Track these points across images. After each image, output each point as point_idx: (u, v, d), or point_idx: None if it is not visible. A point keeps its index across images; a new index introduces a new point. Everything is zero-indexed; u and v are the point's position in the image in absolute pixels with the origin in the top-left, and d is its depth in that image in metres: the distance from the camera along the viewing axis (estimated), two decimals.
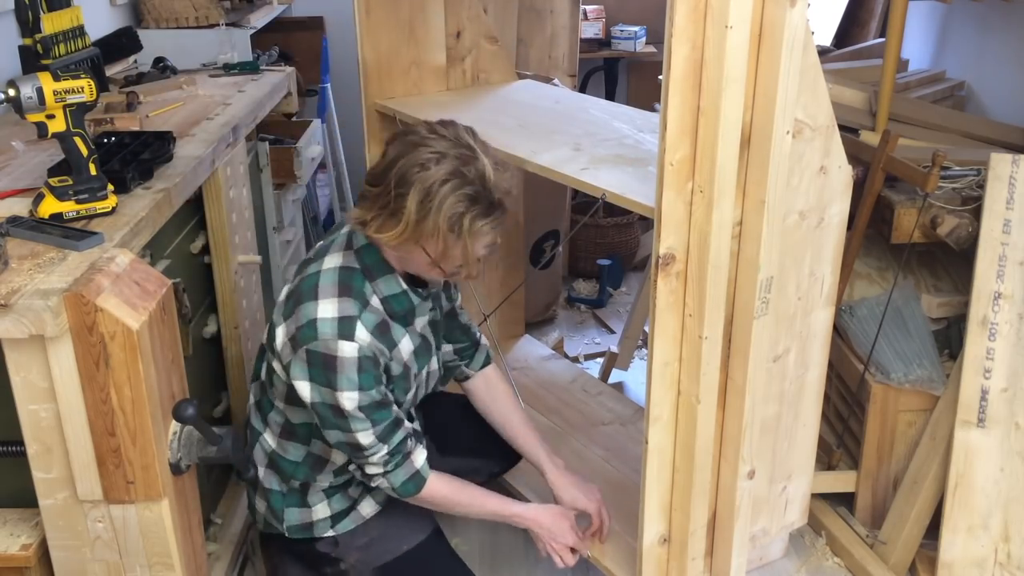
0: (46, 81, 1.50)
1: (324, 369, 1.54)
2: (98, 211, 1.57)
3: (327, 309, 1.55)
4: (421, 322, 1.71)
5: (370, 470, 1.66)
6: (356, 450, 1.63)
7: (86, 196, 1.56)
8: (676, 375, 1.75)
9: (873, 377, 2.15)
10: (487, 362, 1.94)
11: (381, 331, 1.60)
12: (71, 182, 1.56)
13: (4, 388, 1.39)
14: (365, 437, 1.60)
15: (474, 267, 1.57)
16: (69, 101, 1.53)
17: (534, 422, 2.05)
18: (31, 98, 1.50)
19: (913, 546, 2.13)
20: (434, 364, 1.79)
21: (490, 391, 1.95)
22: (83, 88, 1.53)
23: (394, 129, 2.40)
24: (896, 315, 2.19)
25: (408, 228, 1.50)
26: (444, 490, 1.73)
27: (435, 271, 1.58)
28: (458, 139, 1.53)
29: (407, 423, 1.69)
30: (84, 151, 1.57)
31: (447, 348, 1.91)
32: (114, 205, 1.59)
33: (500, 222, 1.54)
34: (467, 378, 1.96)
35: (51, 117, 1.53)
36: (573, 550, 1.84)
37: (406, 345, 1.67)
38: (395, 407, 1.65)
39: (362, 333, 1.55)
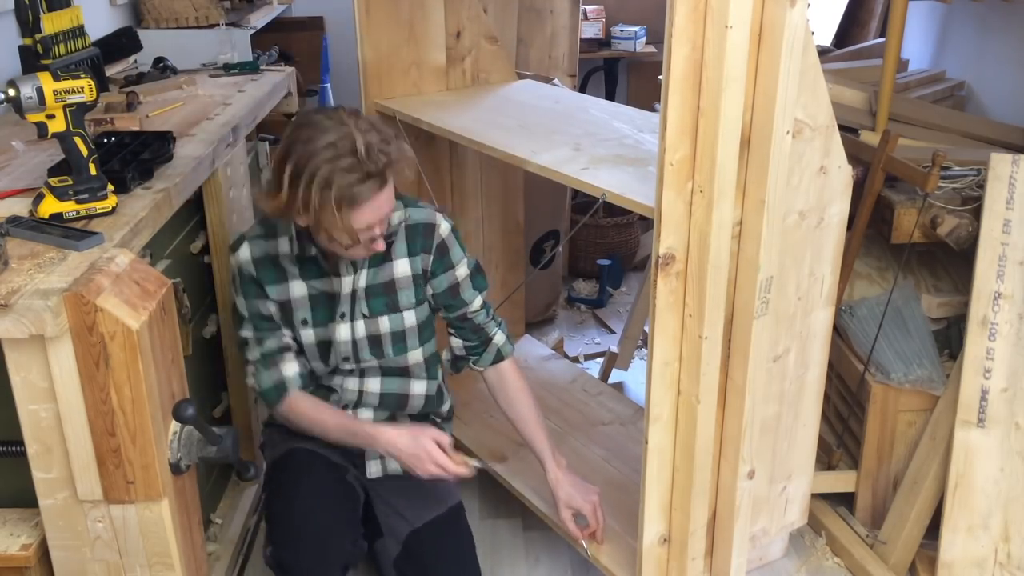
0: (46, 81, 1.50)
1: (232, 282, 1.83)
2: (98, 211, 1.57)
3: (250, 226, 1.84)
4: (323, 284, 1.80)
5: (247, 369, 1.84)
6: (240, 345, 1.85)
7: (86, 196, 1.56)
8: (676, 375, 1.75)
9: (873, 377, 2.15)
10: (498, 359, 1.95)
11: (266, 262, 1.78)
12: (71, 182, 1.56)
13: (4, 388, 1.39)
14: (245, 332, 1.82)
15: (359, 244, 1.66)
16: (69, 101, 1.53)
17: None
18: (31, 98, 1.50)
19: (913, 546, 2.13)
20: (359, 332, 1.81)
21: (501, 385, 1.96)
22: (83, 88, 1.53)
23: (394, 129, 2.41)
24: (896, 315, 2.19)
25: (283, 201, 1.62)
26: (303, 405, 1.83)
27: (332, 245, 1.68)
28: (338, 118, 1.61)
29: (292, 350, 1.82)
30: (84, 151, 1.57)
31: (457, 342, 1.94)
32: (114, 205, 1.59)
33: (376, 190, 1.61)
34: (481, 370, 1.99)
35: (51, 117, 1.53)
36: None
37: (297, 289, 1.79)
38: (287, 336, 1.81)
39: (244, 251, 1.78)
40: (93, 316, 1.32)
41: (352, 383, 1.87)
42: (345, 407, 1.88)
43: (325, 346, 1.83)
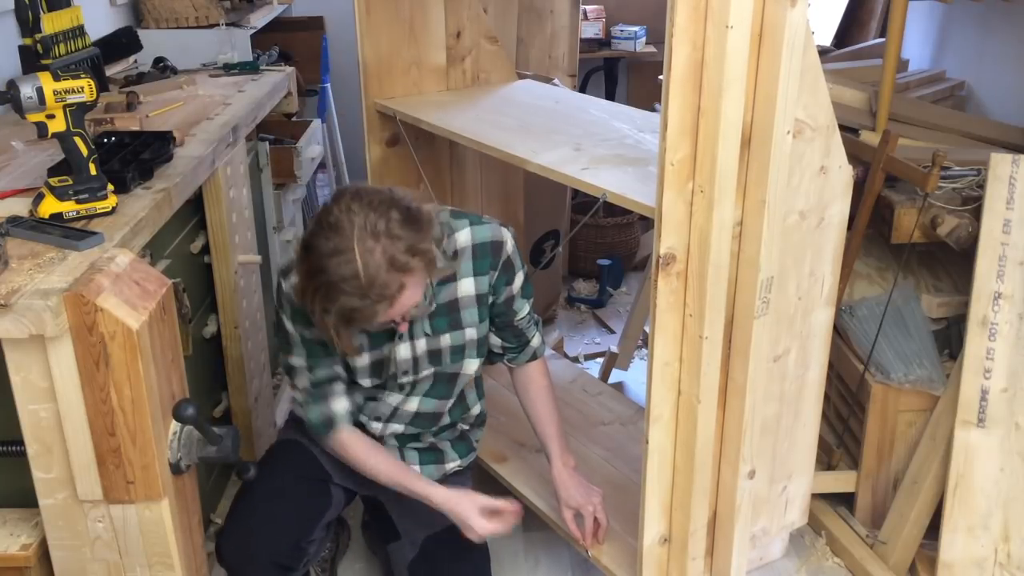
0: (46, 81, 1.50)
1: (276, 290, 1.76)
2: (98, 211, 1.57)
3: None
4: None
5: (295, 395, 1.82)
6: (288, 371, 1.80)
7: (86, 196, 1.56)
8: (676, 375, 1.75)
9: (873, 377, 2.15)
10: (532, 359, 1.97)
11: None
12: (71, 182, 1.56)
13: (4, 388, 1.39)
14: (296, 359, 1.77)
15: (349, 349, 1.66)
16: (69, 101, 1.53)
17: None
18: (31, 98, 1.50)
19: (913, 546, 2.13)
20: (420, 349, 1.79)
21: (524, 382, 1.98)
22: (83, 88, 1.53)
23: (394, 129, 2.41)
24: (896, 315, 2.19)
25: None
26: (355, 446, 1.81)
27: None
28: (349, 230, 1.49)
29: (343, 380, 1.79)
30: (84, 151, 1.57)
31: (496, 341, 1.93)
32: (114, 205, 1.59)
33: (385, 310, 1.53)
34: (513, 367, 2.00)
35: (51, 117, 1.53)
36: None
37: None
38: (339, 364, 1.77)
39: (295, 282, 1.65)
40: (93, 316, 1.32)
41: (393, 399, 1.85)
42: (377, 419, 1.87)
43: (378, 365, 1.80)
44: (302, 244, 1.55)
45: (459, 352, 1.84)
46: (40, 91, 1.50)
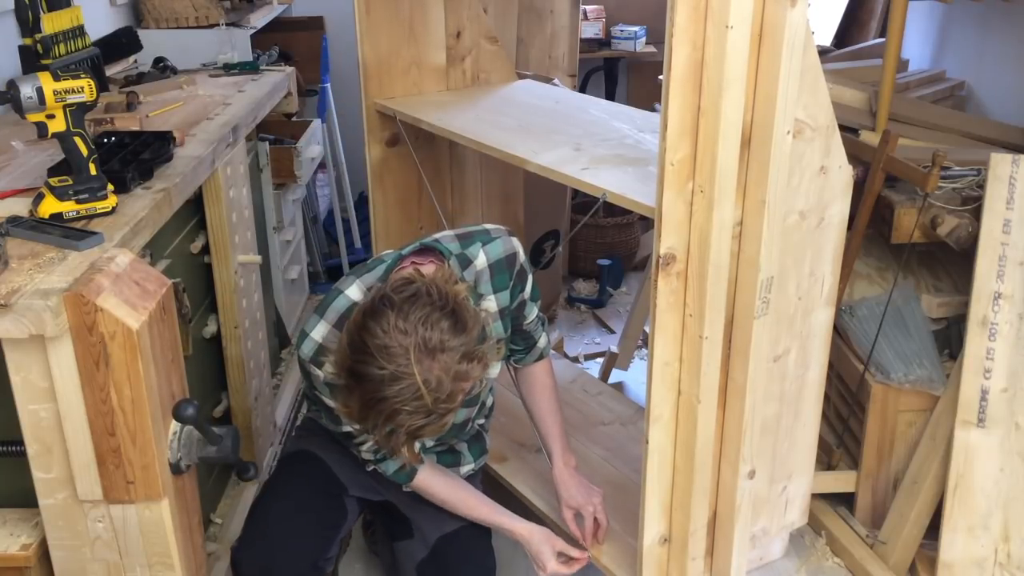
0: (46, 81, 1.50)
1: (305, 376, 1.71)
2: (98, 211, 1.57)
3: (319, 331, 1.65)
4: None
5: (364, 456, 1.80)
6: (347, 438, 1.78)
7: (86, 196, 1.56)
8: (676, 375, 1.75)
9: (873, 377, 2.15)
10: (538, 359, 1.97)
11: None
12: (71, 182, 1.56)
13: (4, 388, 1.39)
14: (348, 427, 1.74)
15: (415, 458, 1.66)
16: (69, 101, 1.53)
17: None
18: (31, 98, 1.49)
19: (913, 546, 2.13)
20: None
21: (530, 381, 1.99)
22: (83, 88, 1.53)
23: (394, 129, 2.41)
24: (896, 315, 2.19)
25: (355, 416, 1.51)
26: (436, 486, 1.84)
27: None
28: (403, 357, 1.42)
29: None
30: (84, 151, 1.57)
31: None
32: (114, 205, 1.59)
33: (439, 428, 1.49)
34: (517, 368, 2.01)
35: (51, 117, 1.53)
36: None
37: None
38: None
39: (330, 368, 1.59)
40: (93, 316, 1.32)
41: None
42: None
43: None
44: (348, 372, 1.46)
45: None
46: (40, 91, 1.50)
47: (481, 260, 1.75)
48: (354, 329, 1.46)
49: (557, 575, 1.81)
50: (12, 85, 1.50)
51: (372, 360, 1.42)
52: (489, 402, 2.01)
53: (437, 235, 1.75)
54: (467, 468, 1.97)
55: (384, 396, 1.41)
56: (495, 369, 1.86)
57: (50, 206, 1.55)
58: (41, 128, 1.54)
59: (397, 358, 1.41)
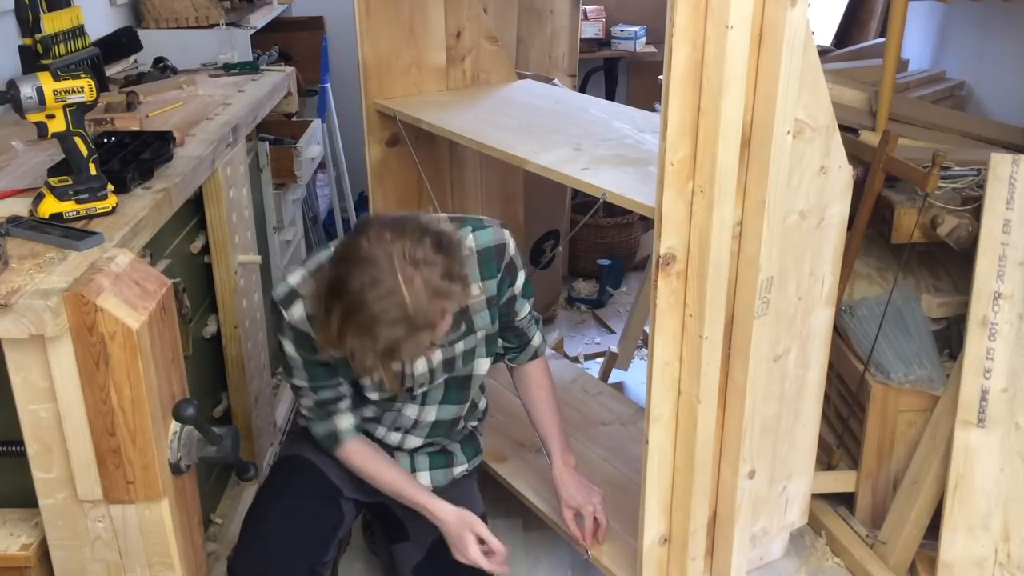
0: (46, 81, 1.50)
1: (276, 318, 1.71)
2: (98, 211, 1.57)
3: (295, 276, 1.68)
4: None
5: (302, 410, 1.83)
6: (294, 391, 1.81)
7: (86, 196, 1.56)
8: (676, 375, 1.75)
9: (873, 377, 2.15)
10: (533, 358, 1.97)
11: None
12: (71, 182, 1.56)
13: (4, 388, 1.39)
14: (298, 380, 1.75)
15: (395, 385, 1.67)
16: (69, 101, 1.53)
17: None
18: (31, 98, 1.49)
19: (913, 546, 2.13)
20: (435, 360, 1.78)
21: (527, 381, 1.98)
22: (83, 88, 1.53)
23: (394, 129, 2.41)
24: (896, 315, 2.19)
25: (334, 340, 1.50)
26: (361, 459, 1.82)
27: None
28: (387, 261, 1.45)
29: (347, 397, 1.78)
30: (84, 151, 1.57)
31: (498, 341, 1.93)
32: (114, 205, 1.59)
33: (428, 340, 1.51)
34: (513, 367, 2.00)
35: (51, 117, 1.53)
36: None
37: None
38: (343, 384, 1.76)
39: (298, 310, 1.65)
40: (93, 316, 1.32)
41: (411, 411, 1.85)
42: (397, 429, 1.87)
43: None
44: (328, 286, 1.48)
45: (470, 354, 1.84)
46: (40, 91, 1.50)
47: (468, 243, 1.76)
48: (339, 245, 1.53)
49: (475, 563, 1.76)
50: (12, 85, 1.50)
51: (354, 269, 1.44)
52: (482, 404, 2.00)
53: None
54: (460, 469, 1.96)
55: (363, 302, 1.43)
56: (483, 364, 1.86)
57: (50, 206, 1.55)
58: (41, 128, 1.54)
59: (379, 263, 1.44)
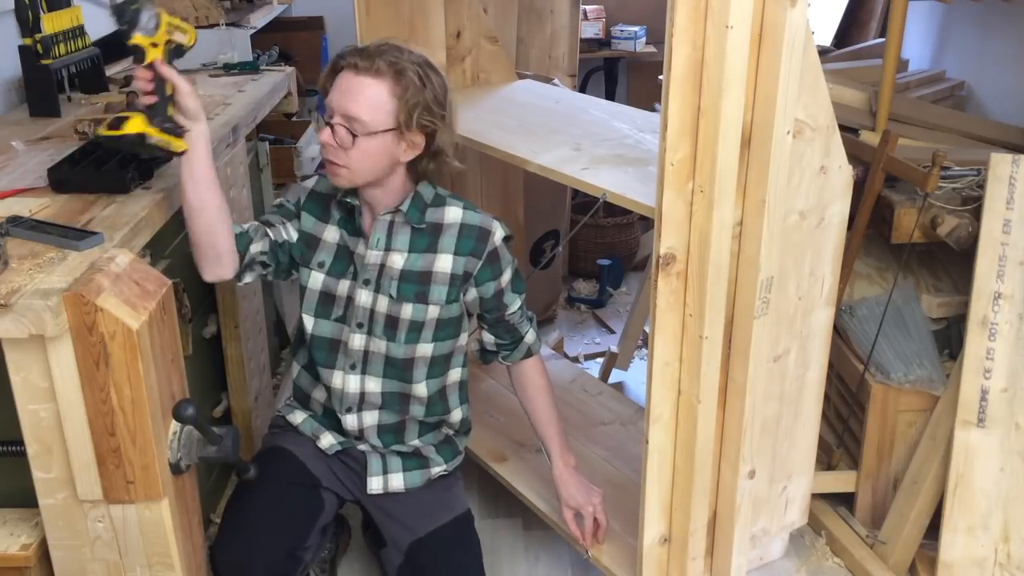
0: (162, 13, 1.51)
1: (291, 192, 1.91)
2: (172, 148, 1.55)
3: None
4: (342, 238, 1.82)
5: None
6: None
7: (170, 127, 1.55)
8: (676, 375, 1.75)
9: (873, 377, 2.15)
10: (527, 355, 1.96)
11: (322, 198, 1.84)
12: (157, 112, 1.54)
13: (4, 388, 1.39)
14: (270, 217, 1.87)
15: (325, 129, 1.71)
16: (174, 37, 1.54)
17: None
18: (150, 20, 1.50)
19: (913, 546, 2.13)
20: (381, 306, 1.79)
21: (523, 380, 1.98)
22: (187, 31, 1.56)
23: None
24: (896, 315, 2.19)
25: None
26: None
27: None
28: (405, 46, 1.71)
29: (269, 236, 1.81)
30: (169, 90, 1.55)
31: (489, 338, 1.94)
32: (185, 150, 1.58)
33: (353, 74, 1.66)
34: (508, 365, 2.00)
35: (155, 46, 1.52)
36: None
37: (331, 234, 1.82)
38: (284, 229, 1.82)
39: (312, 180, 1.88)
40: (93, 316, 1.32)
41: (353, 384, 1.83)
42: (348, 409, 1.86)
43: (328, 298, 1.82)
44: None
45: (416, 329, 1.81)
46: (158, 17, 1.51)
47: (455, 214, 1.78)
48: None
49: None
50: (135, 2, 1.49)
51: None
52: (458, 415, 1.95)
53: None
54: (438, 469, 1.93)
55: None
56: (426, 349, 1.83)
57: (137, 125, 1.52)
58: (139, 54, 1.52)
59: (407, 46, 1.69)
